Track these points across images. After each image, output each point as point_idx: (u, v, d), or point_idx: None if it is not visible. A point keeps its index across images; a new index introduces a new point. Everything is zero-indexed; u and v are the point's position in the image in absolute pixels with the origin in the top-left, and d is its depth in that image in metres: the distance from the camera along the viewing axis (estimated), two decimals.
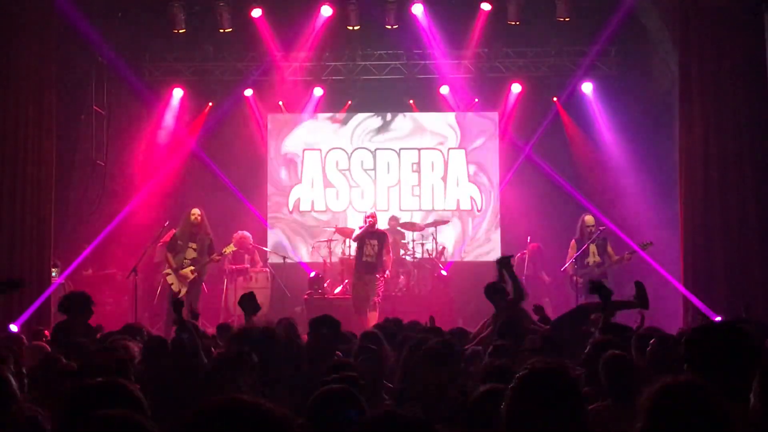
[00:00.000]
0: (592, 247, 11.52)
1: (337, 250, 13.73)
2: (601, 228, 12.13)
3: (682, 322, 9.99)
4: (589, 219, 11.75)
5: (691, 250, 10.33)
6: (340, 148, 15.32)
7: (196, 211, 11.32)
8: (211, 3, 12.94)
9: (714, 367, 2.77)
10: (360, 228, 12.13)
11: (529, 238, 13.26)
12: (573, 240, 11.81)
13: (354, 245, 12.62)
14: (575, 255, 11.59)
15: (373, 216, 12.12)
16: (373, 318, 11.15)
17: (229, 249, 11.66)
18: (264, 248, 13.95)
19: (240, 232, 13.06)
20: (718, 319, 9.20)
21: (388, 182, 15.27)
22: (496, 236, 15.07)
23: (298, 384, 4.52)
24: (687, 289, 10.32)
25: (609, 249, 11.58)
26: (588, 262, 11.48)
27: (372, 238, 11.84)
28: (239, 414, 1.73)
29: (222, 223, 12.74)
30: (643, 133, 13.40)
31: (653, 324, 7.68)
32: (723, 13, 10.23)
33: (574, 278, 11.44)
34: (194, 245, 11.22)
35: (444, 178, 15.28)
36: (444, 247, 14.20)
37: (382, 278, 11.83)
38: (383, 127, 15.41)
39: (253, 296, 6.44)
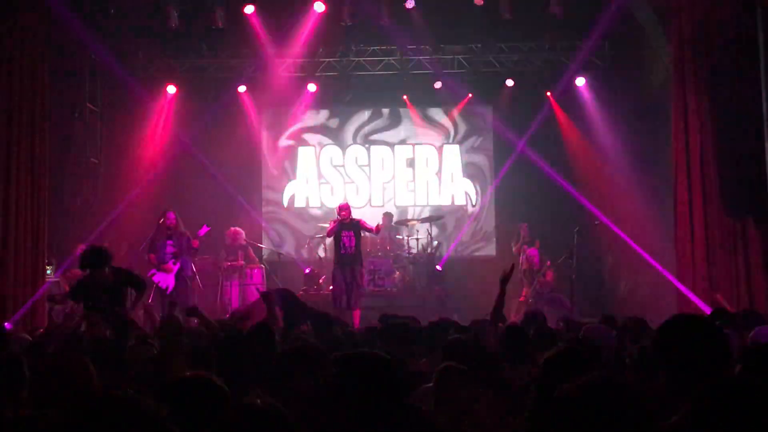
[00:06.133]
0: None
1: (332, 245, 13.73)
2: (595, 222, 12.20)
3: None
4: (532, 251, 12.83)
5: (684, 245, 10.34)
6: (334, 144, 15.34)
7: (171, 214, 11.37)
8: (204, 0, 12.90)
9: (686, 359, 2.80)
10: (332, 222, 11.62)
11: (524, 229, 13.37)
12: (522, 268, 12.78)
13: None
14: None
15: (346, 207, 11.59)
16: (357, 316, 11.01)
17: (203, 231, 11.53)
18: (259, 244, 13.95)
19: (232, 227, 13.08)
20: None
21: (382, 178, 15.28)
22: (491, 231, 15.12)
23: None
24: (680, 284, 10.33)
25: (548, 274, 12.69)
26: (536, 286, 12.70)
27: (348, 229, 11.33)
28: (108, 408, 1.74)
29: (217, 220, 12.72)
30: (636, 128, 13.40)
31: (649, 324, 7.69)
32: (715, 8, 10.23)
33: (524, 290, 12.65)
34: (172, 242, 11.28)
35: (438, 174, 15.31)
36: (439, 243, 14.23)
37: (363, 270, 11.54)
38: (377, 123, 15.42)
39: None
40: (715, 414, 2.19)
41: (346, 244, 11.22)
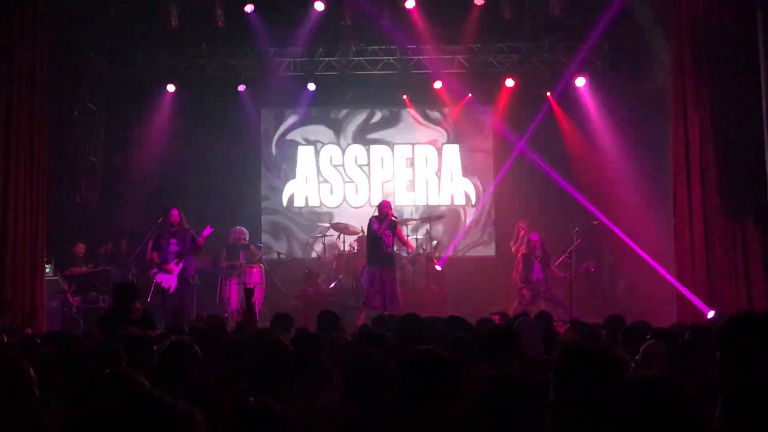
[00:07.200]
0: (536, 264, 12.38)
1: (332, 245, 13.74)
2: (594, 222, 12.19)
3: (676, 318, 10.00)
4: (534, 236, 12.50)
5: (684, 246, 10.33)
6: (334, 144, 15.33)
7: (174, 211, 11.33)
8: None
9: (747, 356, 2.79)
10: (375, 218, 11.28)
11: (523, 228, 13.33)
12: (520, 254, 12.54)
13: (348, 239, 12.55)
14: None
15: (390, 205, 11.43)
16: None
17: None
18: (259, 244, 13.95)
19: (237, 227, 13.08)
20: (711, 313, 9.27)
21: (382, 177, 15.27)
22: (490, 231, 15.12)
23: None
24: (680, 285, 10.32)
25: (552, 266, 12.34)
26: (532, 277, 12.34)
27: (388, 228, 11.11)
28: (140, 408, 1.71)
29: (216, 219, 12.71)
30: (636, 128, 13.41)
31: (647, 321, 7.69)
32: (715, 8, 10.23)
33: (523, 291, 12.35)
34: (176, 241, 11.24)
35: (438, 173, 15.30)
36: (438, 242, 14.22)
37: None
38: (377, 123, 15.42)
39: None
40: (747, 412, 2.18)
41: (388, 244, 11.04)
